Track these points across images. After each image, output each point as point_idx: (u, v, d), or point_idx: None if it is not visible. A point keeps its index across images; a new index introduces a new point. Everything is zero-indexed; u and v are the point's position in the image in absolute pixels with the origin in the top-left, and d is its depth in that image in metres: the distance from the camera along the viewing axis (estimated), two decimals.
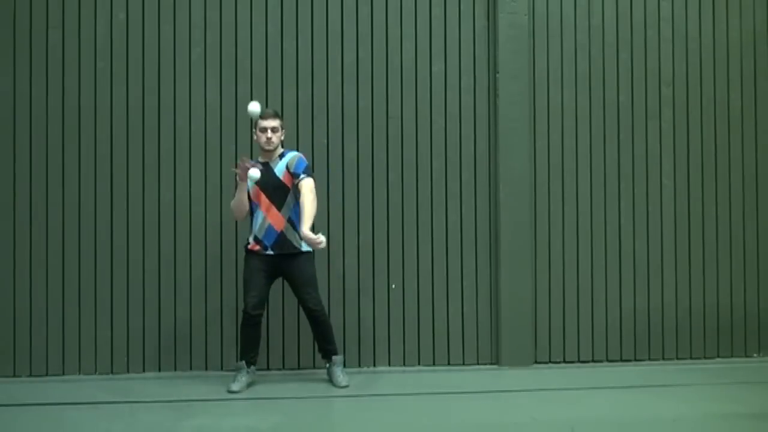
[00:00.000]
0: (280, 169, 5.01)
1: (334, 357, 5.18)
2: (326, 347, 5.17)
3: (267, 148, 5.01)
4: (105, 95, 5.57)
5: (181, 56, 5.64)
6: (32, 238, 5.47)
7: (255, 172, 4.80)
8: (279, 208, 4.97)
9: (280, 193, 4.98)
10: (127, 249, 5.54)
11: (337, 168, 5.72)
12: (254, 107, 4.82)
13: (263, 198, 4.99)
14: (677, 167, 6.07)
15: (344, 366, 5.41)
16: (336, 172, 5.72)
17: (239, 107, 5.65)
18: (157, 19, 5.63)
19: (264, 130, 5.00)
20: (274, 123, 5.01)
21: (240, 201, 5.03)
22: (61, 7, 5.56)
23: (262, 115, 4.99)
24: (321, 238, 4.69)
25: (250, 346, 5.06)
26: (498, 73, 5.84)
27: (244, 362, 5.06)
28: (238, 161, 4.99)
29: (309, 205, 4.82)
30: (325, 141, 5.72)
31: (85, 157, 5.54)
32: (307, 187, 4.90)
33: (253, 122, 5.10)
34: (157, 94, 5.61)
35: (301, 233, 4.79)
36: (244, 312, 4.98)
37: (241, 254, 5.52)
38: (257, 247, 5.00)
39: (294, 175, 4.97)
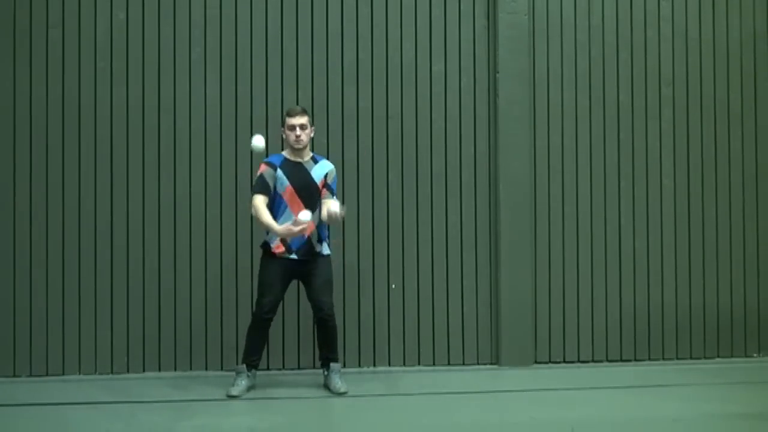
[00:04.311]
0: (317, 174, 4.97)
1: (333, 364, 5.08)
2: (329, 355, 5.07)
3: (297, 146, 4.92)
4: (105, 95, 5.57)
5: (181, 56, 5.64)
6: (32, 238, 5.47)
7: (305, 215, 4.67)
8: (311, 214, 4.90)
9: (315, 197, 4.93)
10: (127, 249, 5.53)
11: (337, 168, 5.71)
12: (258, 142, 4.82)
13: (298, 201, 4.88)
14: (677, 167, 6.07)
15: (344, 366, 5.41)
16: (336, 172, 5.71)
17: (239, 107, 5.65)
18: (157, 19, 5.63)
19: (293, 128, 4.91)
20: (303, 120, 4.92)
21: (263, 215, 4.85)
22: (61, 6, 5.55)
23: (290, 113, 4.94)
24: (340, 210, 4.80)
25: (254, 349, 4.98)
26: (498, 73, 5.84)
27: (245, 366, 4.98)
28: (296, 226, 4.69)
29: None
30: (325, 141, 5.72)
31: (85, 157, 5.54)
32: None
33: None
34: (157, 94, 5.61)
35: (330, 206, 4.80)
36: (256, 315, 4.92)
37: (241, 254, 5.55)
38: (281, 249, 4.89)
39: (329, 189, 5.00)
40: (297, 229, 4.66)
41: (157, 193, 5.58)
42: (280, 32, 5.74)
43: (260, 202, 4.86)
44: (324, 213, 4.86)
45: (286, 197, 4.90)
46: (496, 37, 5.84)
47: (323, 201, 4.97)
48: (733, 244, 6.11)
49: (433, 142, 5.84)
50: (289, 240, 4.86)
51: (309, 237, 4.90)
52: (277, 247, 4.90)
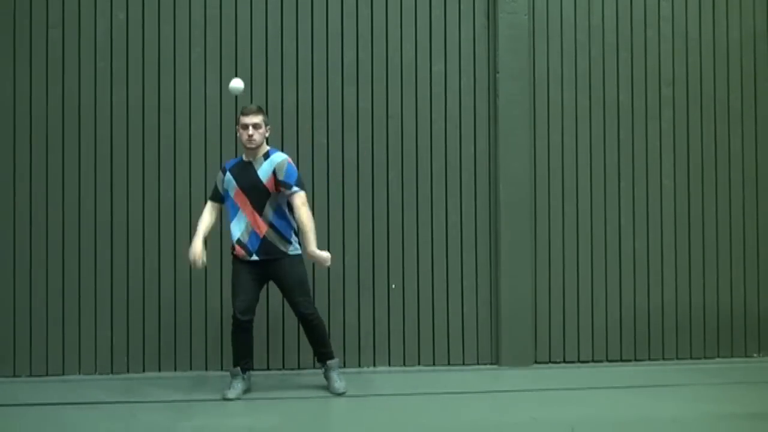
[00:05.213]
0: (264, 171, 4.82)
1: (329, 361, 5.00)
2: (321, 350, 5.01)
3: (249, 146, 4.81)
4: (105, 95, 5.57)
5: (181, 56, 5.64)
6: (32, 238, 5.47)
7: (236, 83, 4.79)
8: (260, 213, 4.80)
9: (262, 196, 4.81)
10: (127, 249, 5.54)
11: (337, 168, 5.72)
12: (237, 83, 4.81)
13: (245, 201, 4.83)
14: (677, 167, 6.07)
15: (344, 366, 5.42)
16: (336, 172, 5.72)
17: (239, 107, 5.64)
18: (157, 19, 5.63)
19: (245, 126, 4.80)
20: (257, 119, 4.81)
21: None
22: (61, 6, 5.56)
23: (244, 112, 4.86)
24: (327, 255, 4.87)
25: (242, 353, 4.94)
26: (498, 73, 5.84)
27: (239, 368, 4.94)
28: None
29: (307, 221, 4.81)
30: (325, 141, 5.72)
31: (85, 157, 5.54)
32: (300, 200, 4.81)
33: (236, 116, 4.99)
34: (157, 94, 5.61)
35: (308, 253, 4.80)
36: (234, 318, 4.86)
37: None
38: (242, 252, 4.85)
39: (283, 185, 4.80)
40: (195, 261, 4.85)
41: (157, 193, 5.58)
42: (280, 32, 5.74)
43: (205, 210, 5.02)
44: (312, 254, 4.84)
45: (235, 198, 4.86)
46: (496, 37, 5.84)
47: (289, 200, 4.84)
48: (733, 244, 6.11)
49: (433, 142, 5.84)
50: (245, 242, 4.84)
51: (264, 237, 4.81)
52: (238, 252, 4.88)
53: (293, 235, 4.93)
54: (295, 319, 5.49)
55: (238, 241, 4.87)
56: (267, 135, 4.95)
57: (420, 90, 5.85)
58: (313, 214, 4.96)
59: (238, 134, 4.96)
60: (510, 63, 5.82)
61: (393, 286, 5.76)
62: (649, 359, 5.96)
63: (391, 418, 4.52)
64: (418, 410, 4.67)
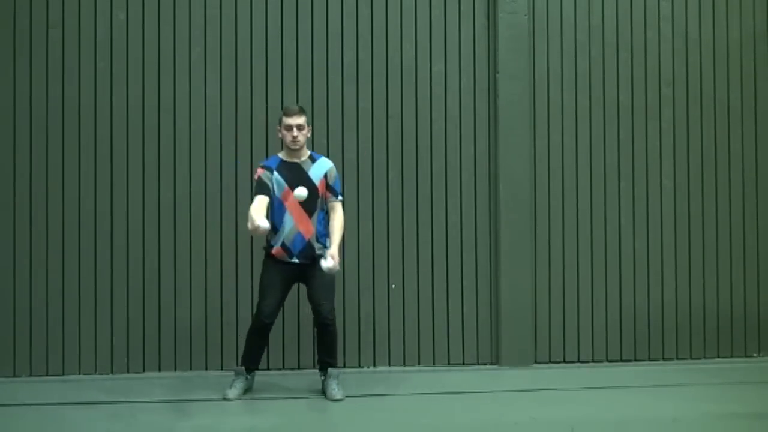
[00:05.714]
0: (316, 174, 4.83)
1: (330, 370, 4.90)
2: (326, 359, 4.91)
3: (293, 147, 4.79)
4: (105, 95, 5.57)
5: (181, 56, 5.64)
6: (32, 238, 5.47)
7: (301, 191, 4.59)
8: (310, 216, 4.79)
9: (314, 199, 4.78)
10: (127, 249, 5.53)
11: (337, 168, 5.71)
12: (301, 192, 4.63)
13: (296, 203, 4.74)
14: (677, 167, 6.07)
15: (344, 366, 5.41)
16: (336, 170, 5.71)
17: (239, 107, 5.65)
18: (157, 19, 5.63)
19: (290, 128, 4.78)
20: (300, 120, 4.79)
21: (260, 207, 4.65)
22: (61, 6, 5.55)
23: (287, 113, 4.82)
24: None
25: (254, 354, 4.92)
26: (498, 73, 5.84)
27: (244, 368, 4.92)
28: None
29: (341, 229, 4.90)
30: (325, 141, 5.72)
31: (85, 157, 5.54)
32: (342, 211, 4.92)
33: (280, 123, 4.88)
34: (157, 94, 5.61)
35: (329, 251, 4.70)
36: (257, 318, 4.82)
37: (242, 254, 5.55)
38: (282, 253, 4.79)
39: (332, 191, 4.88)
40: (255, 224, 4.41)
41: (157, 193, 5.58)
42: (280, 32, 5.74)
43: (256, 200, 4.70)
44: (322, 263, 4.65)
45: (284, 200, 4.79)
46: (496, 37, 5.84)
47: (329, 207, 4.90)
48: (733, 244, 6.11)
49: (433, 142, 5.84)
50: (288, 243, 4.79)
51: (309, 240, 4.80)
52: (278, 252, 4.81)
53: (327, 239, 4.92)
54: (295, 319, 5.52)
55: (282, 243, 4.79)
56: (308, 135, 4.93)
57: (420, 90, 5.85)
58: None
59: (279, 135, 4.89)
60: (510, 63, 5.83)
61: (393, 286, 5.76)
62: (649, 359, 5.97)
63: (391, 418, 4.52)
64: (418, 410, 4.67)
